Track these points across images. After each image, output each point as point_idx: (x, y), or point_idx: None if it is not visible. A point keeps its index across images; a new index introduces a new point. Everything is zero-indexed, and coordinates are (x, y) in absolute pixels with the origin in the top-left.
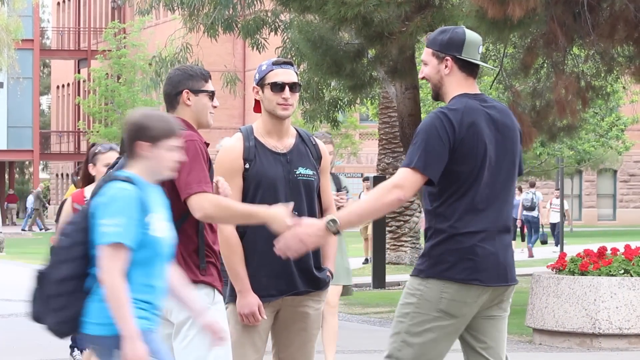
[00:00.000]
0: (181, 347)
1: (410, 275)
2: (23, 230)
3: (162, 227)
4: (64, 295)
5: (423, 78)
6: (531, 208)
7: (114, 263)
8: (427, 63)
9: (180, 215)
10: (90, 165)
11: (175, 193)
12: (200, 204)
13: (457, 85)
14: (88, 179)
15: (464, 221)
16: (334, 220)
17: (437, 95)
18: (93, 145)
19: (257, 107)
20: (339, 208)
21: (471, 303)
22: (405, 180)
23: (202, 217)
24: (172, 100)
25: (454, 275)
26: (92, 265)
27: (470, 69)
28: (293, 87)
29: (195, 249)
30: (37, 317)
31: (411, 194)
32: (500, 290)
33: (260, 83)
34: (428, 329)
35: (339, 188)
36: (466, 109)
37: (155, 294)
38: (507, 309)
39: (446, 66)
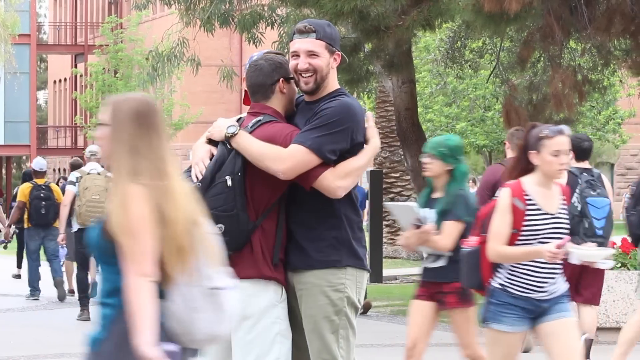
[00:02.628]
0: (243, 342)
1: (318, 269)
2: None
3: None
4: None
5: (307, 70)
6: None
7: None
8: (318, 55)
9: (263, 212)
10: (533, 152)
11: (256, 189)
12: (329, 183)
13: (334, 79)
14: (526, 169)
15: (358, 210)
16: (235, 129)
17: (317, 88)
18: (516, 129)
19: (248, 99)
20: None
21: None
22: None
23: (342, 193)
24: (266, 90)
25: (364, 264)
26: None
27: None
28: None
29: (274, 244)
30: None
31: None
32: None
33: None
34: (354, 320)
35: None
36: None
37: None
38: None
39: (335, 60)
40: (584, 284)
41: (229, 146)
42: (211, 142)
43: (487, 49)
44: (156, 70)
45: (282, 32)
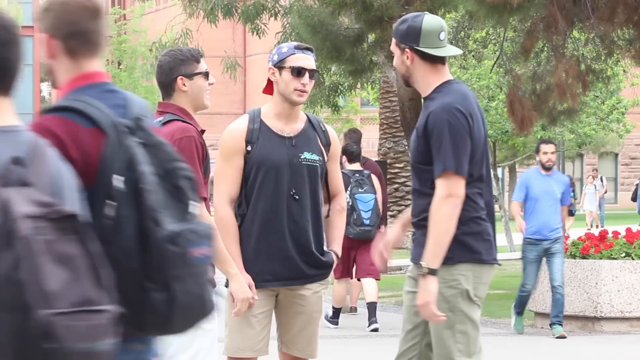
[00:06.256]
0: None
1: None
2: None
3: None
4: None
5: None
6: None
7: None
8: (393, 53)
9: None
10: None
11: None
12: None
13: (427, 73)
14: None
15: (480, 203)
16: (419, 265)
17: (408, 84)
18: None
19: (269, 88)
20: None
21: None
22: (451, 186)
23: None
24: (167, 88)
25: (482, 257)
26: None
27: (433, 57)
28: (312, 73)
29: None
30: None
31: (462, 194)
32: None
33: (279, 65)
34: (473, 313)
35: None
36: (466, 97)
37: None
38: None
39: (407, 57)
40: (362, 259)
41: None
42: None
43: (490, 39)
44: None
45: (285, 22)
